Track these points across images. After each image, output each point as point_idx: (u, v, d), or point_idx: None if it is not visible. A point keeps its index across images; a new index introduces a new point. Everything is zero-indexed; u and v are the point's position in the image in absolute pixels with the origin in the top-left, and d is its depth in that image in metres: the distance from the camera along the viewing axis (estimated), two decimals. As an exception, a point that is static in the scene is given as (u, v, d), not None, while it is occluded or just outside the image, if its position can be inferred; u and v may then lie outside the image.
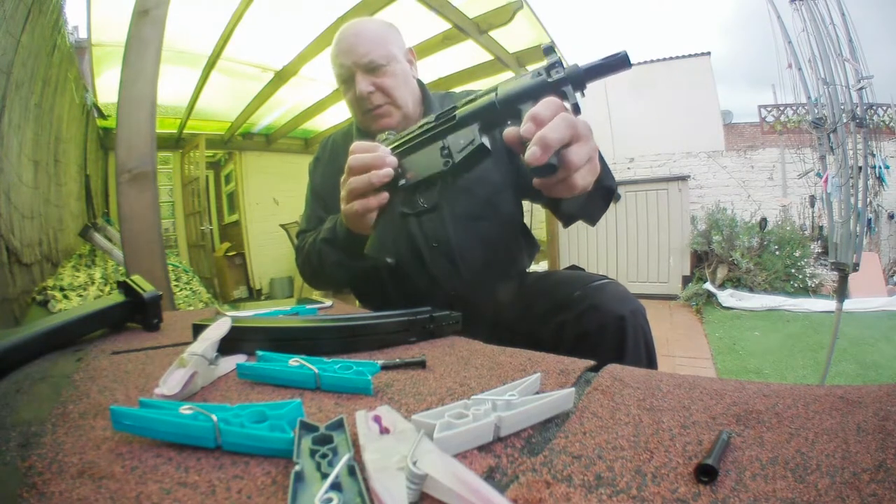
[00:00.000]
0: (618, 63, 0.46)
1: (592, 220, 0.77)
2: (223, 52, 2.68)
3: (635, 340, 0.66)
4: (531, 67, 0.50)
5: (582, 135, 0.47)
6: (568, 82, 0.48)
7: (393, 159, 0.59)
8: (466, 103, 0.55)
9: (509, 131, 0.49)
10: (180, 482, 0.24)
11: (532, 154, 0.44)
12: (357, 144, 0.61)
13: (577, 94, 0.49)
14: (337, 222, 0.73)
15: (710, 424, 0.30)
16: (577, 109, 0.48)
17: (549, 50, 0.51)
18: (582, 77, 0.48)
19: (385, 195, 0.59)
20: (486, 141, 0.53)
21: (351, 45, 0.81)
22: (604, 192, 0.73)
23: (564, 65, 0.49)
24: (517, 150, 0.49)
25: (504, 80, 0.53)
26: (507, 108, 0.51)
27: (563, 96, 0.48)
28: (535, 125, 0.45)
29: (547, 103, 0.46)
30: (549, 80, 0.48)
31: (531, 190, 0.90)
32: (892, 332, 2.73)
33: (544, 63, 0.50)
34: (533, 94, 0.49)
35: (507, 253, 0.89)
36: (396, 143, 0.60)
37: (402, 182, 0.59)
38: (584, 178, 0.49)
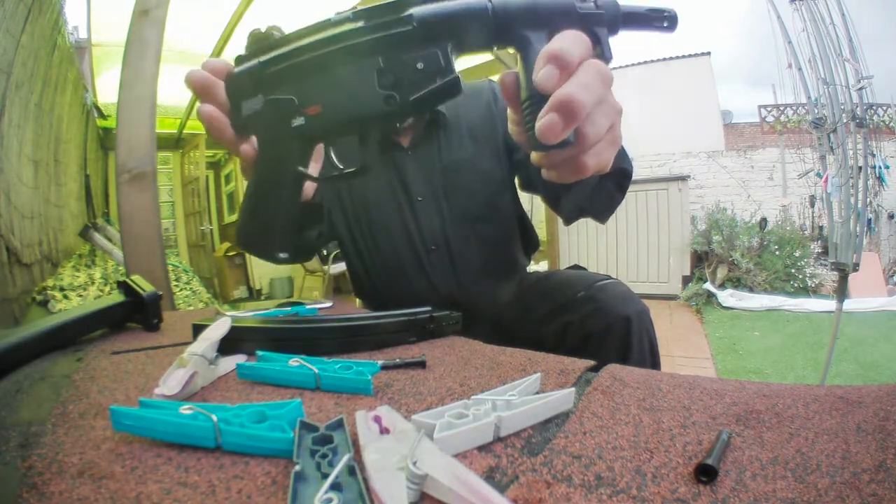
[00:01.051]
0: (663, 22, 0.35)
1: (602, 214, 0.63)
2: (223, 52, 2.69)
3: (640, 342, 0.65)
4: None
5: (608, 89, 0.32)
6: (604, 19, 0.33)
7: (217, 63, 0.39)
8: (419, 1, 0.34)
9: (509, 76, 0.34)
10: (180, 482, 0.24)
11: (550, 124, 0.28)
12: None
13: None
14: None
15: (710, 424, 0.30)
16: (606, 57, 0.34)
17: None
18: (617, 18, 0.34)
19: (210, 109, 0.39)
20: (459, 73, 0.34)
21: None
22: (617, 178, 0.58)
23: None
24: (512, 104, 0.34)
25: None
26: (505, 26, 0.33)
27: (595, 38, 0.33)
28: (559, 72, 0.29)
29: (576, 39, 0.31)
30: (580, 8, 0.33)
31: (530, 180, 0.88)
32: (892, 332, 2.73)
33: None
34: (550, 15, 0.33)
35: (506, 255, 0.89)
36: (291, 50, 0.36)
37: (298, 121, 0.37)
38: (599, 156, 0.33)
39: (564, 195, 0.59)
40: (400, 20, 0.33)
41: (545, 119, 0.29)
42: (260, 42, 0.38)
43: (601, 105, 0.31)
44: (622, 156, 0.54)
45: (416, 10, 0.33)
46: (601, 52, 0.33)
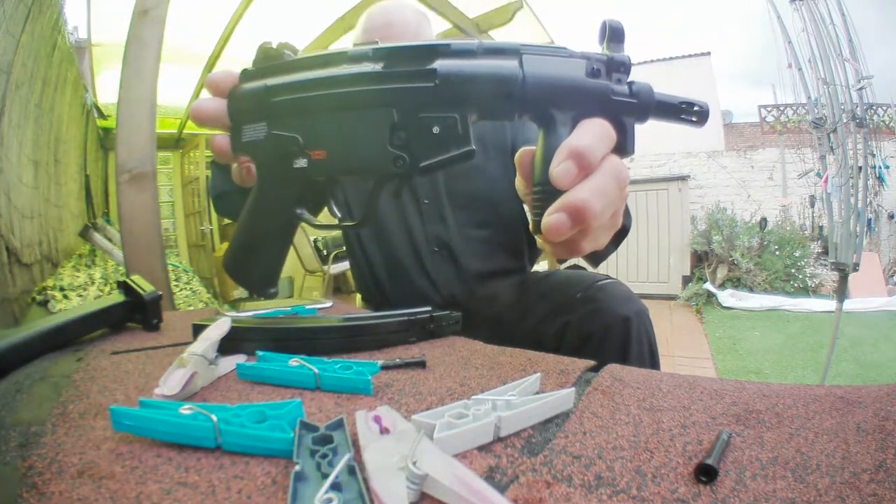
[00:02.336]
0: (693, 116, 0.33)
1: (596, 262, 0.65)
2: (223, 52, 2.68)
3: (639, 342, 0.65)
4: (573, 48, 0.31)
5: (622, 190, 0.31)
6: (634, 110, 0.32)
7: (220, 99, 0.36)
8: (445, 53, 0.31)
9: (526, 156, 0.33)
10: (180, 482, 0.24)
11: (558, 224, 0.28)
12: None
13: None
14: None
15: (710, 424, 0.30)
16: (628, 150, 0.32)
17: (620, 35, 0.32)
18: (650, 108, 0.32)
19: (220, 140, 0.37)
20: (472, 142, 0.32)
21: (381, 25, 0.77)
22: (617, 235, 0.62)
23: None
24: (524, 180, 0.34)
25: (529, 45, 0.31)
26: (534, 101, 0.31)
27: (619, 128, 0.31)
28: (578, 171, 0.28)
29: (601, 135, 0.30)
30: (614, 94, 0.31)
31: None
32: (892, 332, 2.73)
33: (603, 53, 0.31)
34: (581, 100, 0.31)
35: (510, 261, 0.89)
36: (302, 81, 0.33)
37: (301, 163, 0.34)
38: (596, 241, 0.33)
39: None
40: (422, 73, 0.30)
41: (553, 217, 0.28)
42: (269, 59, 0.35)
43: (614, 202, 0.30)
44: (625, 213, 0.52)
45: (440, 65, 0.30)
46: (623, 142, 0.31)
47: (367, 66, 0.31)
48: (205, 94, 0.39)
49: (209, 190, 0.71)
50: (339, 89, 0.32)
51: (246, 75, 0.36)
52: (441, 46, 0.31)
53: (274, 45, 0.35)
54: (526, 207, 0.37)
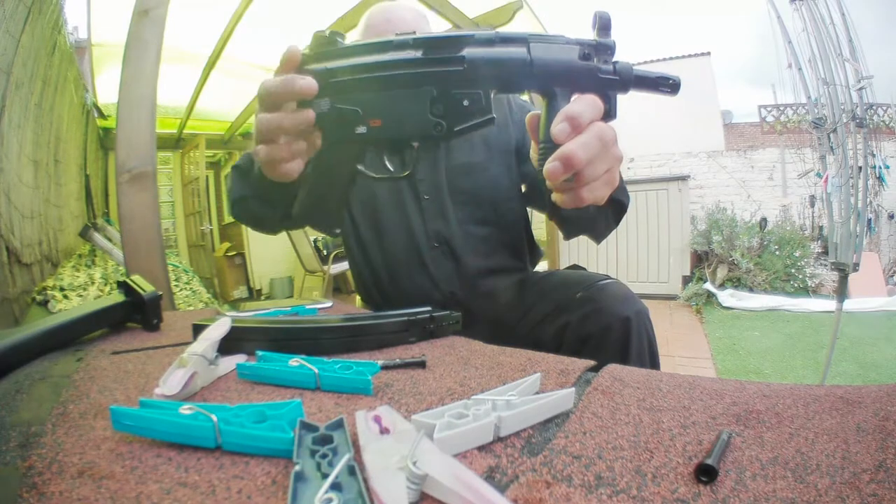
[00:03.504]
0: (667, 87, 0.43)
1: (598, 236, 0.72)
2: (223, 52, 2.68)
3: (639, 342, 0.65)
4: (569, 35, 0.42)
5: (606, 147, 0.40)
6: (617, 85, 0.42)
7: (310, 89, 0.41)
8: (470, 42, 0.40)
9: (533, 119, 0.43)
10: (180, 482, 0.24)
11: (553, 169, 0.38)
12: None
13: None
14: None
15: (710, 424, 0.30)
16: (611, 116, 0.42)
17: (607, 24, 0.42)
18: (629, 82, 0.42)
19: (303, 146, 0.44)
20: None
21: (382, 23, 0.81)
22: (616, 209, 0.69)
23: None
24: (533, 137, 0.44)
25: (534, 35, 0.41)
26: (540, 79, 0.41)
27: (605, 98, 0.41)
28: (571, 130, 0.38)
29: (590, 105, 0.40)
30: (601, 72, 0.41)
31: (535, 197, 0.90)
32: (892, 332, 2.73)
33: (592, 38, 0.42)
34: (575, 77, 0.41)
35: (510, 260, 0.89)
36: (358, 65, 0.41)
37: (361, 129, 0.42)
38: (594, 192, 0.41)
39: (568, 216, 0.65)
40: (454, 59, 0.40)
41: (550, 165, 0.38)
42: (323, 46, 0.42)
43: (600, 155, 0.40)
44: (621, 190, 0.63)
45: (468, 52, 0.40)
46: (609, 109, 0.41)
47: (410, 53, 0.40)
48: (264, 75, 0.45)
49: (228, 193, 0.75)
50: (389, 72, 0.41)
51: (306, 59, 0.42)
52: (467, 36, 0.40)
53: (326, 33, 0.42)
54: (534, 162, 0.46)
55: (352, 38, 0.68)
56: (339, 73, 0.41)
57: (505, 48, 0.40)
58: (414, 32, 0.41)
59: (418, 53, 0.40)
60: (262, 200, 0.65)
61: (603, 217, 0.68)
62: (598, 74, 0.41)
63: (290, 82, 0.41)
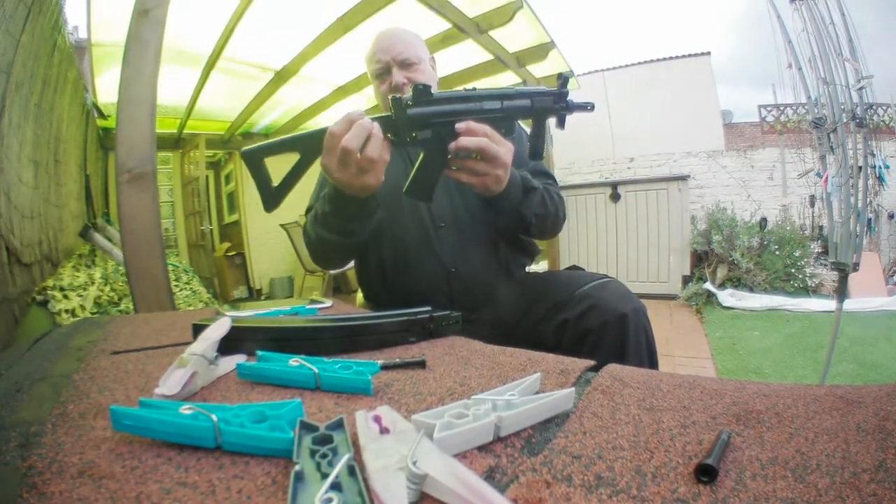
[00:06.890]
0: (587, 109, 0.75)
1: (542, 234, 0.91)
2: (223, 52, 2.68)
3: (637, 339, 0.66)
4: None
5: (494, 153, 0.70)
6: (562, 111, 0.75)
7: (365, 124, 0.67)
8: (507, 97, 0.72)
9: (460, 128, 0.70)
10: (180, 482, 0.24)
11: (463, 127, 0.68)
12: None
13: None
14: (329, 196, 0.79)
15: (710, 424, 0.30)
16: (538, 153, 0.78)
17: (565, 82, 0.73)
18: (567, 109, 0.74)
19: (387, 156, 0.69)
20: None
21: (390, 44, 0.94)
22: (542, 215, 0.86)
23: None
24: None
25: (533, 90, 0.74)
26: (535, 113, 0.75)
27: (561, 120, 0.75)
28: (467, 130, 0.68)
29: (499, 141, 0.71)
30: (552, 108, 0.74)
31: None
32: (892, 332, 2.73)
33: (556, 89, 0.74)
34: (538, 114, 0.75)
35: (511, 241, 0.92)
36: (452, 109, 0.71)
37: (451, 148, 0.70)
38: (483, 180, 0.71)
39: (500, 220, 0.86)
40: (497, 109, 0.71)
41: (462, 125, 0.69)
42: (422, 95, 0.69)
43: (489, 153, 0.69)
44: (528, 204, 0.81)
45: (507, 104, 0.72)
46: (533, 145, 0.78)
47: (486, 104, 0.71)
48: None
49: (309, 232, 0.88)
50: (468, 112, 0.71)
51: (407, 104, 0.69)
52: (505, 94, 0.72)
53: (421, 87, 0.69)
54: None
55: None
56: (439, 115, 0.70)
57: (518, 101, 0.72)
58: (475, 88, 0.72)
59: (483, 104, 0.71)
60: (341, 229, 0.80)
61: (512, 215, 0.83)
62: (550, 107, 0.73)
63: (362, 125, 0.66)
